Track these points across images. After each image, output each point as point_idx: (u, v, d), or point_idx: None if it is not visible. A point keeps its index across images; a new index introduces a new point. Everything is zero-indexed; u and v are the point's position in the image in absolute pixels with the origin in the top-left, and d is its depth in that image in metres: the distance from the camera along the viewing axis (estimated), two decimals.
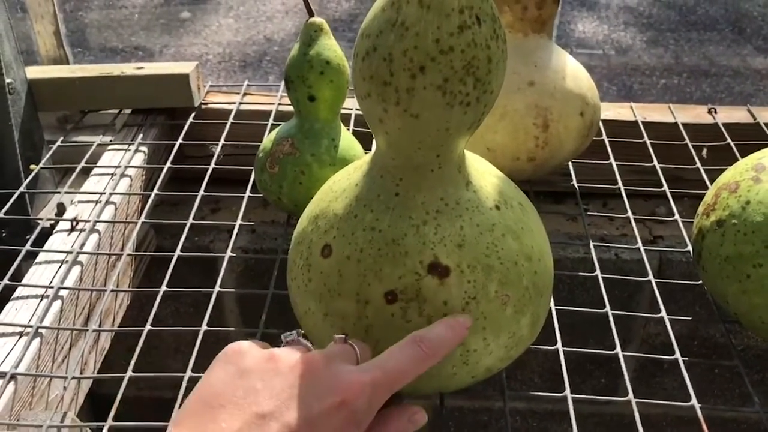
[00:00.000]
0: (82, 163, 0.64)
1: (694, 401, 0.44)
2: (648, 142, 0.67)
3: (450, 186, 0.39)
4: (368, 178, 0.40)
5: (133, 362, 0.47)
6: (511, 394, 0.45)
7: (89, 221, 0.57)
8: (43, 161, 0.68)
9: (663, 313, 0.50)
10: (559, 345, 0.48)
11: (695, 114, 0.72)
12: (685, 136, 0.68)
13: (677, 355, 0.47)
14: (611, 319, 0.49)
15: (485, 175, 0.41)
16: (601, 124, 0.69)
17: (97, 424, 0.43)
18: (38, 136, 0.70)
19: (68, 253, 0.54)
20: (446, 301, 0.38)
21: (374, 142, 0.40)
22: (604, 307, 0.51)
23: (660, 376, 0.74)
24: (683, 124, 0.70)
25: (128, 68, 0.70)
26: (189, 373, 0.46)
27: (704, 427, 0.42)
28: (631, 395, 0.44)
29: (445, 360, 0.39)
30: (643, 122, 0.70)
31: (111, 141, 0.68)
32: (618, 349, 0.48)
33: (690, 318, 0.52)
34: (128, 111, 0.72)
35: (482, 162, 0.43)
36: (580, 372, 0.76)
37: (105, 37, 2.00)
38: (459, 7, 0.33)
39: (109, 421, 0.43)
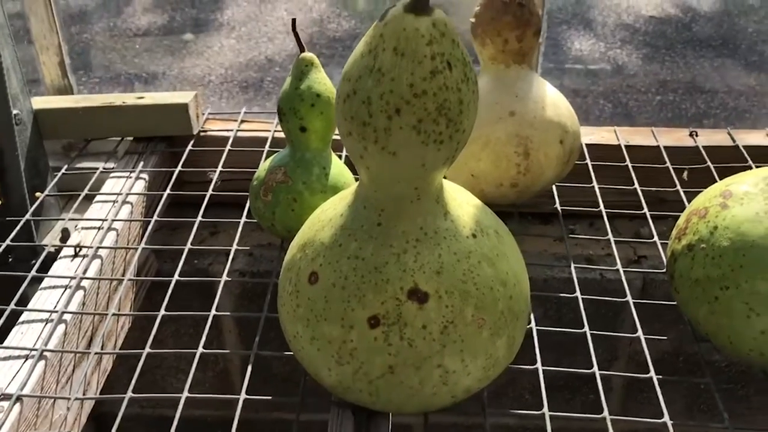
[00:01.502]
0: (86, 190, 0.67)
1: (666, 418, 0.46)
2: (630, 165, 0.70)
3: (429, 216, 0.41)
4: (352, 208, 0.42)
5: (133, 383, 0.49)
6: (492, 411, 0.47)
7: (92, 247, 0.60)
8: (48, 188, 0.70)
9: (639, 332, 0.53)
10: (539, 364, 0.50)
11: (677, 137, 0.75)
12: (667, 159, 0.71)
13: (652, 373, 0.49)
14: (589, 338, 0.52)
15: (463, 205, 0.44)
16: (585, 147, 0.72)
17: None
18: (43, 163, 0.73)
19: (72, 278, 0.57)
20: (425, 325, 0.40)
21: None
22: (584, 327, 0.53)
23: (647, 392, 0.76)
24: (665, 148, 0.72)
25: (129, 98, 0.73)
26: (186, 393, 0.48)
27: None
28: (606, 412, 0.46)
29: (425, 381, 0.41)
30: (626, 146, 0.72)
31: (113, 168, 0.71)
32: (595, 367, 0.50)
33: (666, 337, 0.54)
34: (130, 139, 0.75)
35: (461, 191, 0.45)
36: (570, 389, 0.78)
37: (109, 59, 2.04)
38: (431, 54, 0.36)
39: None
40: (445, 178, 0.45)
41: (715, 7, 2.28)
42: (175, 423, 0.47)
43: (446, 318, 0.40)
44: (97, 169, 0.70)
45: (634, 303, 0.55)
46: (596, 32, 2.19)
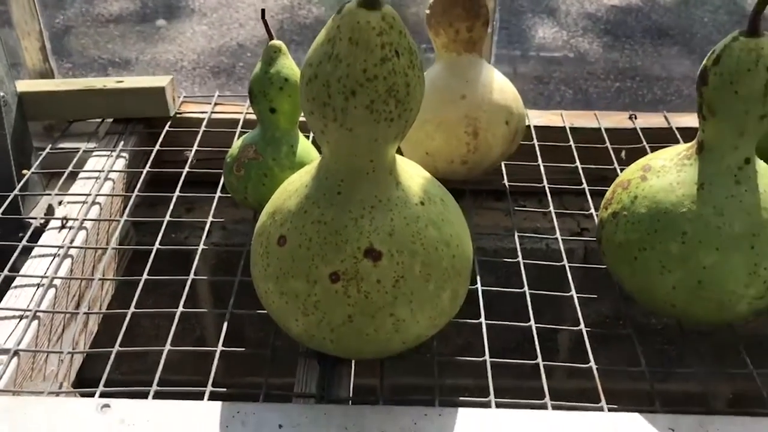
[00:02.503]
0: (70, 168, 0.72)
1: (591, 363, 0.53)
2: (573, 145, 0.76)
3: (382, 185, 0.47)
4: (316, 179, 0.48)
5: (120, 339, 0.55)
6: (441, 359, 0.54)
7: (77, 219, 0.65)
8: (34, 167, 0.75)
9: (573, 292, 0.59)
10: (482, 319, 0.56)
11: (617, 120, 0.81)
12: (607, 140, 0.77)
13: (582, 326, 0.56)
14: (528, 297, 0.58)
15: (413, 177, 0.50)
16: (533, 129, 0.78)
17: (90, 390, 0.51)
18: (28, 143, 0.77)
19: (60, 247, 0.62)
20: (379, 279, 0.46)
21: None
22: (524, 287, 0.59)
23: (587, 355, 0.83)
24: (606, 129, 0.79)
25: (109, 82, 0.78)
26: (168, 347, 0.54)
27: (599, 385, 0.51)
28: (539, 359, 0.53)
29: (379, 328, 0.47)
30: (570, 128, 0.79)
31: (95, 148, 0.76)
32: (532, 321, 0.56)
33: (596, 296, 0.60)
34: (110, 120, 0.80)
35: (411, 165, 0.51)
36: (519, 351, 0.85)
37: (82, 44, 2.06)
38: (381, 44, 0.41)
39: (101, 388, 0.51)
40: (399, 153, 0.51)
41: None
42: (158, 376, 0.52)
43: (397, 273, 0.46)
44: (80, 148, 0.75)
45: (569, 267, 0.62)
46: (559, 21, 2.25)
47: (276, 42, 0.62)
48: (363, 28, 0.41)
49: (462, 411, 0.48)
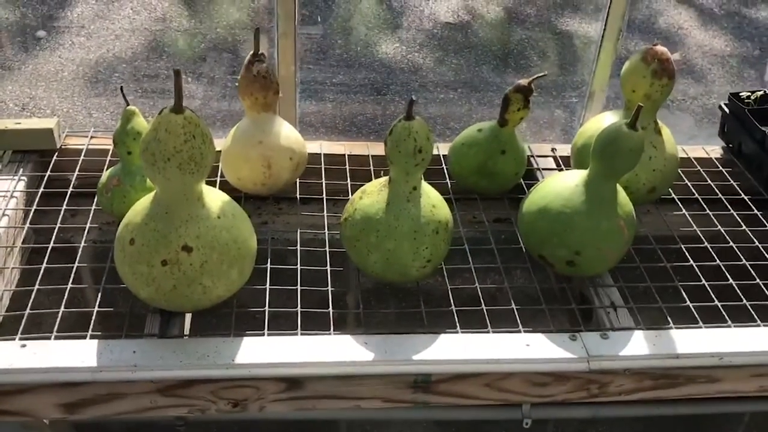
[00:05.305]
0: None
1: (330, 309, 0.88)
2: (348, 168, 1.11)
3: (193, 208, 0.80)
4: (152, 204, 0.80)
5: (29, 306, 0.85)
6: (237, 311, 0.87)
7: None
8: None
9: (328, 266, 0.94)
10: (267, 285, 0.90)
11: (382, 149, 1.17)
12: (371, 164, 1.13)
13: (329, 287, 0.91)
14: (299, 271, 0.93)
15: (215, 200, 0.83)
16: (322, 156, 1.13)
17: (10, 337, 0.81)
18: None
19: None
20: (192, 263, 0.79)
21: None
22: (297, 265, 0.94)
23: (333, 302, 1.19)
24: (372, 156, 1.14)
25: (10, 124, 1.06)
26: (62, 309, 0.84)
27: (331, 316, 0.86)
28: (299, 308, 0.88)
29: (193, 293, 0.80)
30: (348, 155, 1.14)
31: (1, 171, 1.04)
32: (298, 286, 0.91)
33: (342, 269, 0.96)
34: (11, 151, 1.08)
35: (215, 191, 0.84)
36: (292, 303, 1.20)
37: None
38: (184, 132, 0.74)
39: (18, 335, 0.81)
40: (221, 177, 0.83)
41: (496, 15, 2.78)
42: (55, 328, 0.83)
43: (202, 259, 0.79)
44: None
45: (329, 251, 0.97)
46: (400, 37, 2.62)
47: (131, 108, 0.93)
48: (173, 124, 0.74)
49: (246, 339, 0.82)
